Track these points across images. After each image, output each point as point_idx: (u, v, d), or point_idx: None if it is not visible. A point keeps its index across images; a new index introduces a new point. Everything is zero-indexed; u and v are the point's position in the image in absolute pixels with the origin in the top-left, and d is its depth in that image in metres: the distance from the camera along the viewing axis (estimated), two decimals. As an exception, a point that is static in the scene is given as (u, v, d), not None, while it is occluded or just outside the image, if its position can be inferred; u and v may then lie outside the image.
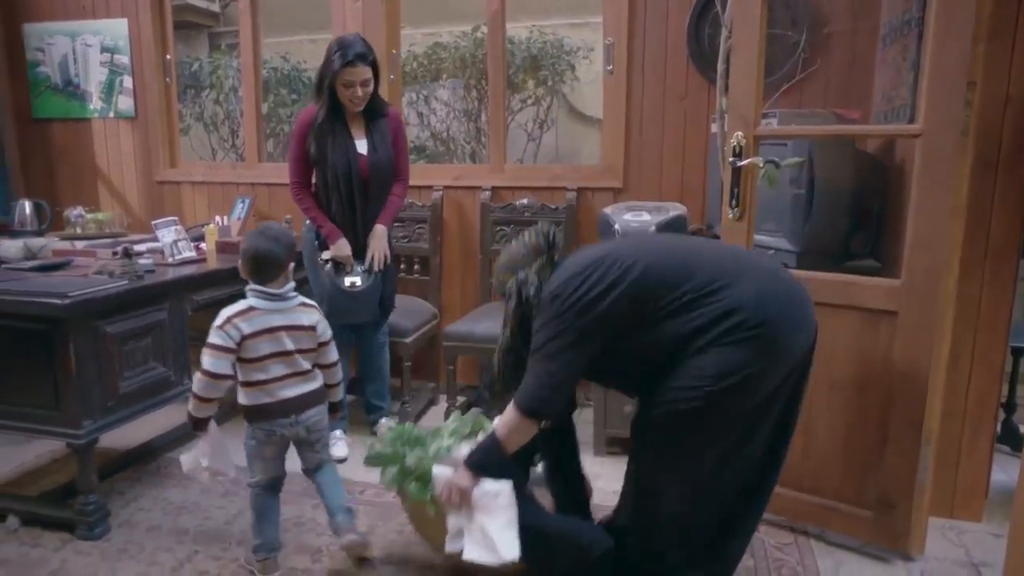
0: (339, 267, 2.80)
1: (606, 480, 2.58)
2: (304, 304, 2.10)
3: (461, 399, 3.24)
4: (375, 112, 2.80)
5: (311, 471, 2.16)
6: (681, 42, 3.15)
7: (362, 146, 2.78)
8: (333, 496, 2.12)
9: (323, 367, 2.15)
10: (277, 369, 2.01)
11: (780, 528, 2.32)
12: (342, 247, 2.77)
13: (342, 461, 2.84)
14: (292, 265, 2.09)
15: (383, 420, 3.06)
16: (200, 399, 1.97)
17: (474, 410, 2.28)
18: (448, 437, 2.11)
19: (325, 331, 2.13)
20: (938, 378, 2.02)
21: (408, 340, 3.11)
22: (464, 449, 2.01)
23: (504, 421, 1.77)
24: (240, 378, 2.01)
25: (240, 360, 1.98)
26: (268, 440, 2.04)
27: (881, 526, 2.13)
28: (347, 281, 2.77)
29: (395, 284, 3.04)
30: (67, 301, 2.11)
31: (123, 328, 2.33)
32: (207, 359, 1.93)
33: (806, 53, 2.96)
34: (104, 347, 2.27)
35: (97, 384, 2.26)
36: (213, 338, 1.94)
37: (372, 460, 2.07)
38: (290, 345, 2.03)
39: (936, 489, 2.17)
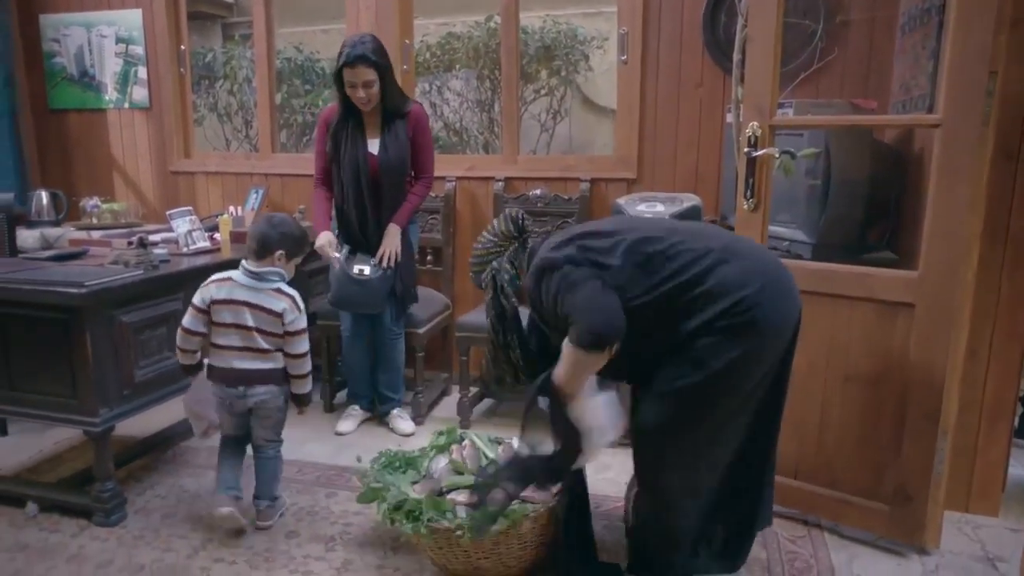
0: (352, 256, 2.84)
1: (616, 472, 2.58)
2: (280, 291, 2.21)
3: (474, 389, 3.24)
4: (392, 112, 2.81)
5: (255, 448, 2.32)
6: (696, 31, 3.13)
7: (374, 146, 2.83)
8: (261, 482, 2.31)
9: (288, 356, 2.24)
10: (234, 339, 2.19)
11: (794, 521, 2.31)
12: (320, 239, 2.83)
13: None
14: (282, 252, 2.22)
15: (395, 411, 3.08)
16: (179, 349, 2.24)
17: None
18: (431, 451, 2.27)
19: (295, 322, 2.21)
20: (955, 371, 2.00)
21: (421, 330, 3.11)
22: (440, 462, 2.17)
23: (568, 366, 1.60)
24: (210, 338, 2.23)
25: (211, 322, 2.20)
26: (221, 403, 2.25)
27: (896, 520, 2.12)
28: (355, 268, 2.81)
29: (413, 279, 3.04)
30: (84, 290, 2.13)
31: (138, 317, 2.35)
32: (186, 315, 2.21)
33: (823, 42, 2.92)
34: (120, 336, 2.29)
35: (113, 373, 2.28)
36: (194, 297, 2.21)
37: (363, 498, 2.10)
38: (250, 321, 2.18)
39: (952, 483, 2.15)
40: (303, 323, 2.23)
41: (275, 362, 2.24)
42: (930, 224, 1.97)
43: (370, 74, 2.66)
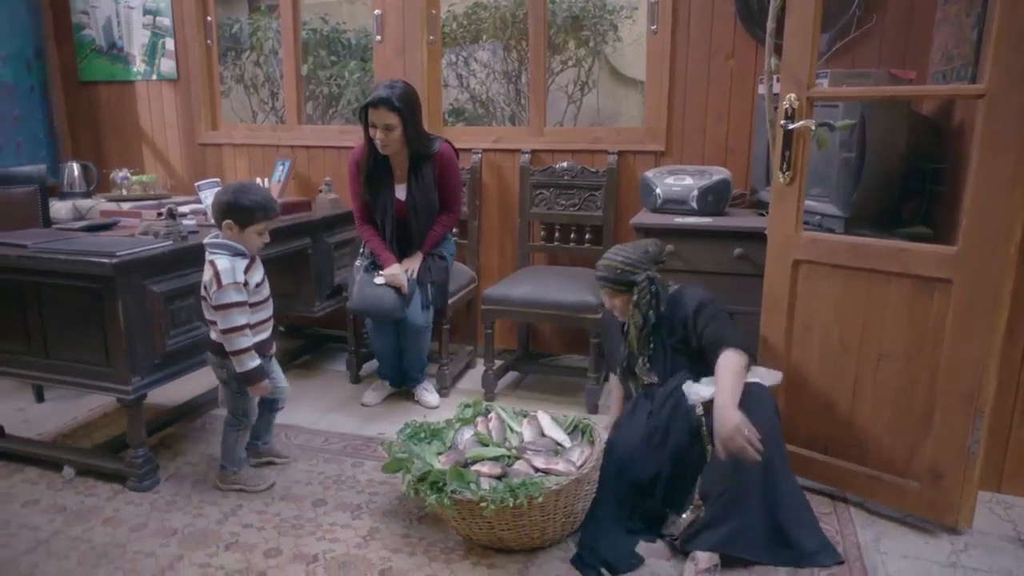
0: (372, 267, 2.94)
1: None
2: (211, 262, 2.16)
3: (499, 362, 3.25)
4: (418, 155, 2.89)
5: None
6: (728, 0, 3.04)
7: (401, 191, 2.94)
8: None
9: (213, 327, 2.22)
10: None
11: (820, 496, 2.29)
12: (392, 270, 2.87)
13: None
14: (229, 222, 2.17)
15: (420, 383, 3.10)
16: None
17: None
18: (456, 423, 2.28)
19: (216, 297, 2.14)
20: (993, 349, 1.95)
21: (447, 303, 3.12)
22: (466, 434, 2.23)
23: (736, 369, 2.00)
24: None
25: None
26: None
27: (927, 498, 2.09)
28: (378, 280, 2.86)
29: (445, 286, 3.05)
30: (115, 260, 2.16)
31: (168, 288, 2.38)
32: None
33: (860, 10, 2.83)
34: (151, 306, 2.32)
35: (144, 342, 2.31)
36: None
37: (388, 468, 2.11)
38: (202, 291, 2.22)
39: (984, 462, 2.11)
40: (225, 298, 2.13)
41: (215, 334, 2.23)
42: (971, 198, 1.91)
43: (392, 118, 2.73)
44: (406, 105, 2.75)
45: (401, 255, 2.97)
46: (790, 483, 2.01)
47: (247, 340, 2.19)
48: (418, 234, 2.99)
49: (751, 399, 1.96)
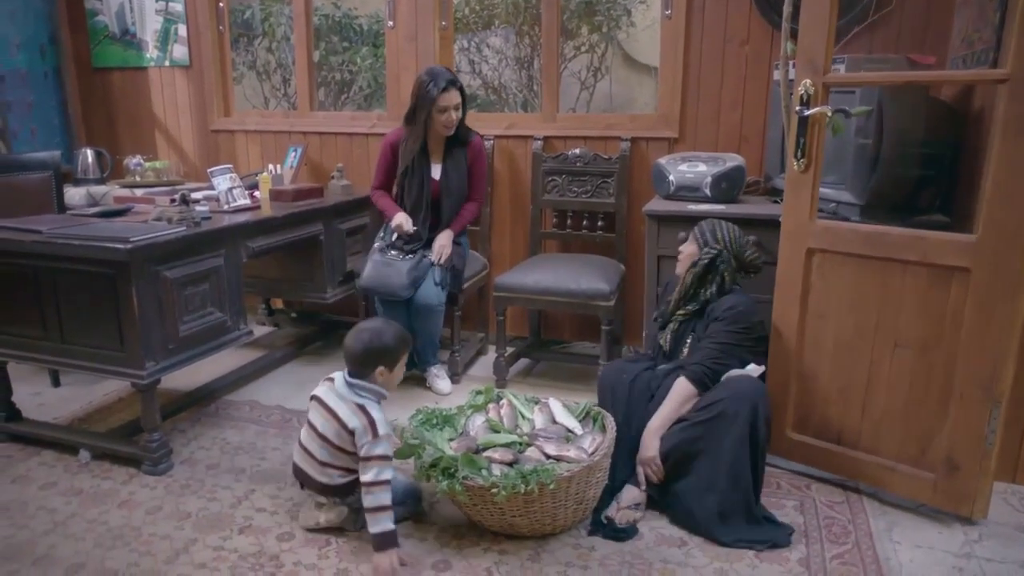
0: (388, 248, 3.01)
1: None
2: (361, 408, 1.96)
3: (510, 349, 3.25)
4: (456, 140, 3.06)
5: None
6: (744, -17, 3.01)
7: (436, 171, 3.08)
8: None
9: (361, 484, 1.93)
10: (306, 436, 2.06)
11: (831, 485, 2.29)
12: (399, 218, 3.00)
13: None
14: (383, 368, 2.02)
15: (433, 369, 3.11)
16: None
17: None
18: (467, 410, 2.29)
19: (367, 448, 1.92)
20: (1011, 338, 1.93)
21: (461, 289, 3.11)
22: (477, 420, 2.23)
23: (679, 399, 2.17)
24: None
25: None
26: None
27: (942, 488, 2.08)
28: (392, 252, 2.98)
29: (462, 272, 3.08)
30: (129, 246, 2.17)
31: (182, 273, 2.39)
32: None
33: (879, -6, 2.79)
34: (164, 291, 2.33)
35: (158, 327, 2.33)
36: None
37: (401, 454, 2.09)
38: (320, 426, 2.00)
39: (1000, 452, 2.09)
40: (378, 450, 1.92)
41: (327, 477, 2.01)
42: (991, 186, 1.88)
43: (459, 97, 2.94)
44: (461, 83, 2.98)
45: (431, 234, 3.07)
46: (743, 480, 2.04)
47: (389, 497, 1.94)
48: (448, 213, 3.09)
49: (742, 386, 2.11)
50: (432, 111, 2.91)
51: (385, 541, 1.89)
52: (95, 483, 2.34)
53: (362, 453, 1.92)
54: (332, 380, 2.06)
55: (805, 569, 1.90)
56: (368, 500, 1.91)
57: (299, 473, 2.08)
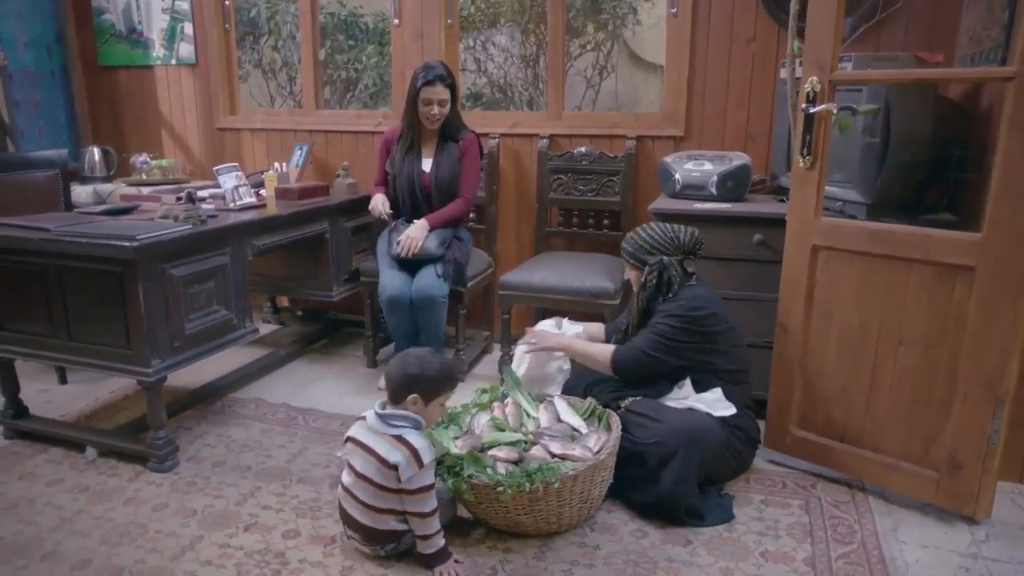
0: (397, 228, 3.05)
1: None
2: (400, 439, 1.85)
3: (515, 348, 3.24)
4: (448, 135, 3.08)
5: None
6: (751, -19, 3.00)
7: (427, 164, 3.09)
8: None
9: (408, 514, 1.88)
10: (349, 480, 1.93)
11: (837, 484, 2.28)
12: (375, 200, 3.09)
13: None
14: (415, 396, 1.91)
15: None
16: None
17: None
18: (472, 408, 2.30)
19: (413, 479, 1.82)
20: (1016, 337, 1.92)
21: (463, 288, 3.11)
22: (482, 418, 2.25)
23: (597, 354, 2.32)
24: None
25: None
26: None
27: (946, 487, 2.07)
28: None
29: (464, 266, 3.08)
30: (136, 244, 2.17)
31: (187, 271, 2.40)
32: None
33: (887, -9, 2.77)
34: (170, 289, 2.34)
35: (164, 325, 2.33)
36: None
37: None
38: (359, 466, 1.89)
39: (1004, 452, 2.08)
40: (425, 479, 1.83)
41: (376, 522, 1.88)
42: (997, 184, 1.87)
43: (445, 94, 2.94)
44: (453, 82, 3.00)
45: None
46: (686, 485, 2.07)
47: (438, 520, 1.90)
48: (436, 208, 3.09)
49: (694, 422, 2.14)
50: (417, 101, 2.95)
51: (439, 556, 1.89)
52: (101, 480, 2.35)
53: (412, 487, 1.82)
54: (364, 418, 1.95)
55: (811, 568, 1.90)
56: (422, 528, 1.87)
57: (344, 516, 1.96)
